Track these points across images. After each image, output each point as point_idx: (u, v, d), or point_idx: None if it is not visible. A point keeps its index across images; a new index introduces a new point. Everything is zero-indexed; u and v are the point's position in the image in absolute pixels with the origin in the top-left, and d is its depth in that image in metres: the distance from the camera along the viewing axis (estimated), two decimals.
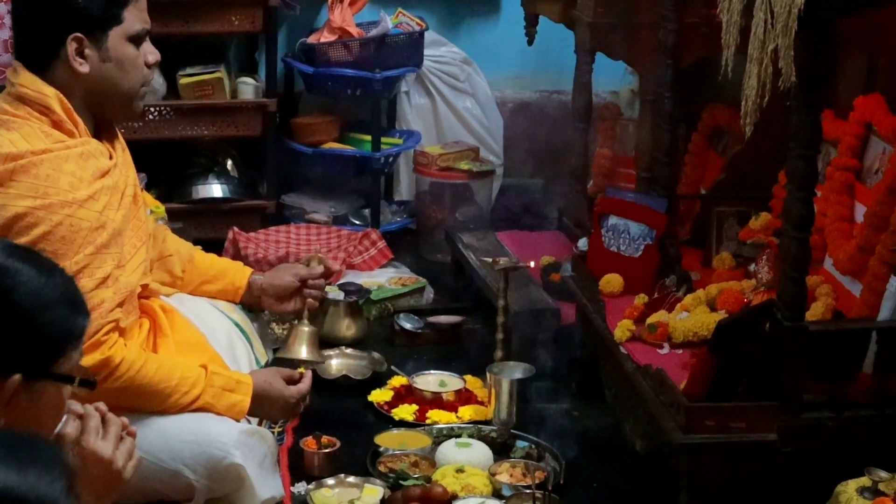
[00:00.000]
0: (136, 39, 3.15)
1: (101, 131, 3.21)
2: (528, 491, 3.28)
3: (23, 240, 2.91)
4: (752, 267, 3.76)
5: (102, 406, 2.26)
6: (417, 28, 5.41)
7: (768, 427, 3.06)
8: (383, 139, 5.35)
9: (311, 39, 5.29)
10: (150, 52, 3.19)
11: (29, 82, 3.08)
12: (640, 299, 3.77)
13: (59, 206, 2.98)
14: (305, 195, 5.51)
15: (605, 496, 3.46)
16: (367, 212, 5.43)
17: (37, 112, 3.06)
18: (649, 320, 3.61)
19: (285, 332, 4.20)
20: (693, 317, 3.56)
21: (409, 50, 5.36)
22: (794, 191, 2.98)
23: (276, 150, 5.37)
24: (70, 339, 2.06)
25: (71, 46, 3.07)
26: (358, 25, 5.32)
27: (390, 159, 5.46)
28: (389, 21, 5.33)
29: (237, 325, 3.61)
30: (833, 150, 3.64)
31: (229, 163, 5.34)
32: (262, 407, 3.29)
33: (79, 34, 3.07)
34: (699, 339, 3.45)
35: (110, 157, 3.18)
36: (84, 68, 3.09)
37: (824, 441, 3.04)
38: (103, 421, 2.22)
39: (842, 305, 3.40)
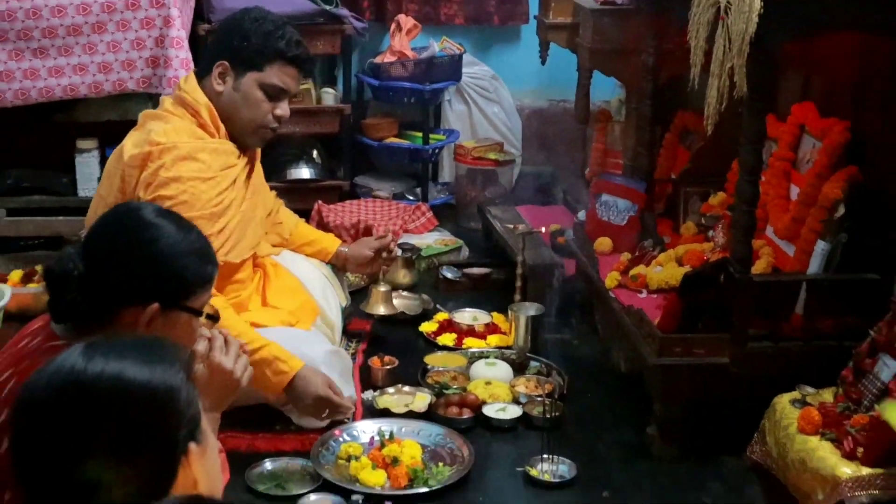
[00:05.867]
0: (268, 89, 3.05)
1: (236, 141, 3.12)
2: (539, 399, 3.30)
3: (149, 195, 2.86)
4: (710, 233, 3.75)
5: (225, 330, 2.25)
6: (457, 52, 5.37)
7: (722, 353, 3.04)
8: (431, 135, 5.33)
9: (377, 60, 5.26)
10: (280, 108, 3.08)
11: (191, 89, 3.04)
12: (625, 256, 3.76)
13: (188, 180, 2.93)
14: (372, 177, 5.49)
15: (598, 404, 3.45)
16: (418, 190, 5.41)
17: (189, 114, 3.03)
18: (632, 272, 3.60)
19: (357, 279, 4.25)
20: (665, 270, 3.55)
21: (451, 68, 5.32)
22: (744, 175, 2.96)
23: (350, 143, 5.35)
24: (199, 282, 2.03)
25: (216, 69, 3.04)
26: (413, 49, 5.28)
27: (436, 151, 5.44)
28: (436, 46, 5.30)
29: (325, 276, 3.61)
30: (774, 144, 3.60)
31: (315, 152, 5.32)
32: (298, 390, 2.93)
33: (225, 62, 3.04)
34: (670, 287, 3.44)
35: (239, 157, 3.10)
36: (220, 88, 3.05)
37: (765, 365, 3.03)
38: (226, 342, 2.20)
39: (779, 263, 3.39)
